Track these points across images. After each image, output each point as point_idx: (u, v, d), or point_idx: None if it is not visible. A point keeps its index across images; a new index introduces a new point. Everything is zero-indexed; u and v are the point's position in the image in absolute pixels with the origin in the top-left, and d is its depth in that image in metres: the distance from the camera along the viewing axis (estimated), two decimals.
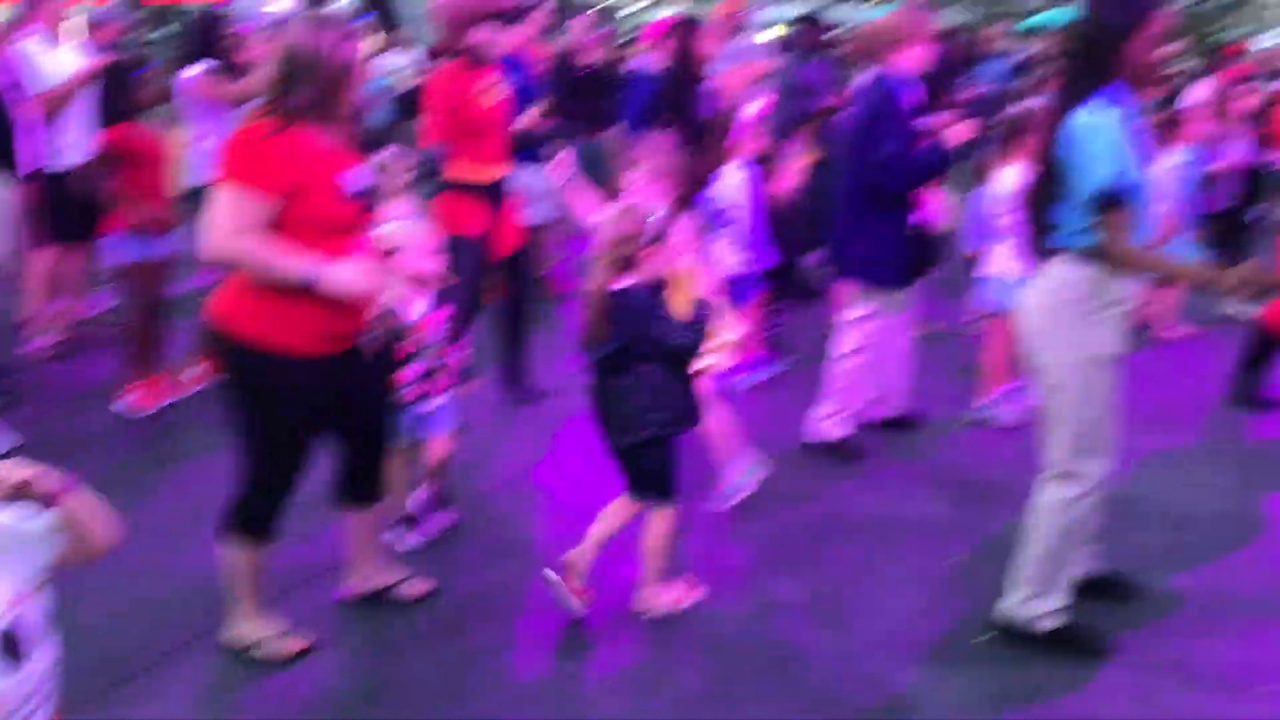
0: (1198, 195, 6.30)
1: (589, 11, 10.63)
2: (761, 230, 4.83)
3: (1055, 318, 3.00)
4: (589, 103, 7.60)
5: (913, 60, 4.38)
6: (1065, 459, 3.04)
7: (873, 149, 4.30)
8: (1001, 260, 4.84)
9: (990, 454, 4.62)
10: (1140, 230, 2.94)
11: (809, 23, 7.64)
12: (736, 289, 4.60)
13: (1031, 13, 39.16)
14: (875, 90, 4.40)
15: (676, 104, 5.33)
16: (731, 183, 4.68)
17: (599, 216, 3.37)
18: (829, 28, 8.41)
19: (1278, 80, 10.00)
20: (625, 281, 3.15)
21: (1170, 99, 7.43)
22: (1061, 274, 2.98)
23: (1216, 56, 8.80)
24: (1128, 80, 2.91)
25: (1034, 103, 5.09)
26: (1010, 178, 4.76)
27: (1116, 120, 2.85)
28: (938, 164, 4.39)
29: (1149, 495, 4.15)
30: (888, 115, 4.31)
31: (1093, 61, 2.90)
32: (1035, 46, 14.10)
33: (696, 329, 3.19)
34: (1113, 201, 2.83)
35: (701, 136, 4.79)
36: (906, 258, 4.53)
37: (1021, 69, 12.13)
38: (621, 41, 11.42)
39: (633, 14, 25.44)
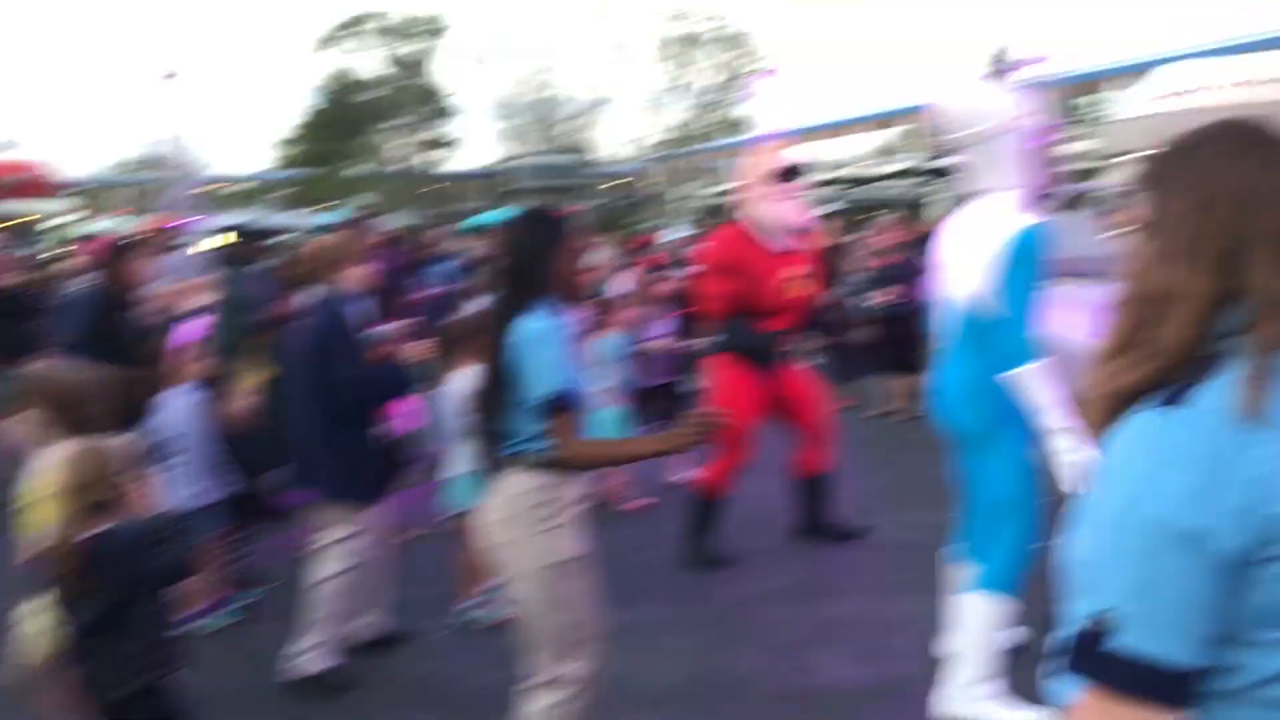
0: (632, 373, 6.91)
1: None
2: (217, 456, 4.51)
3: (514, 529, 3.02)
4: (6, 327, 6.86)
5: (358, 278, 4.40)
6: (546, 666, 3.05)
7: (327, 370, 4.22)
8: (464, 460, 4.90)
9: (476, 659, 4.56)
10: (586, 430, 3.10)
11: (244, 234, 7.57)
12: (194, 523, 4.23)
13: (473, 213, 41.92)
14: (324, 310, 4.33)
15: (110, 326, 4.96)
16: (177, 409, 4.35)
17: (51, 458, 2.99)
18: (266, 236, 8.36)
19: (685, 267, 11.47)
20: (102, 525, 2.81)
21: (598, 290, 8.20)
22: (516, 484, 3.02)
23: (631, 248, 9.92)
24: (557, 291, 3.08)
25: (478, 306, 5.32)
26: (461, 380, 4.88)
27: (556, 328, 2.99)
28: (394, 383, 4.42)
29: (629, 673, 4.30)
30: (338, 336, 4.26)
31: (523, 275, 3.05)
32: (478, 247, 15.05)
33: (180, 550, 2.98)
34: (562, 407, 2.93)
35: (139, 360, 4.44)
36: (377, 470, 4.44)
37: (469, 269, 12.82)
38: (47, 258, 10.56)
39: (58, 227, 23.71)
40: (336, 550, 4.34)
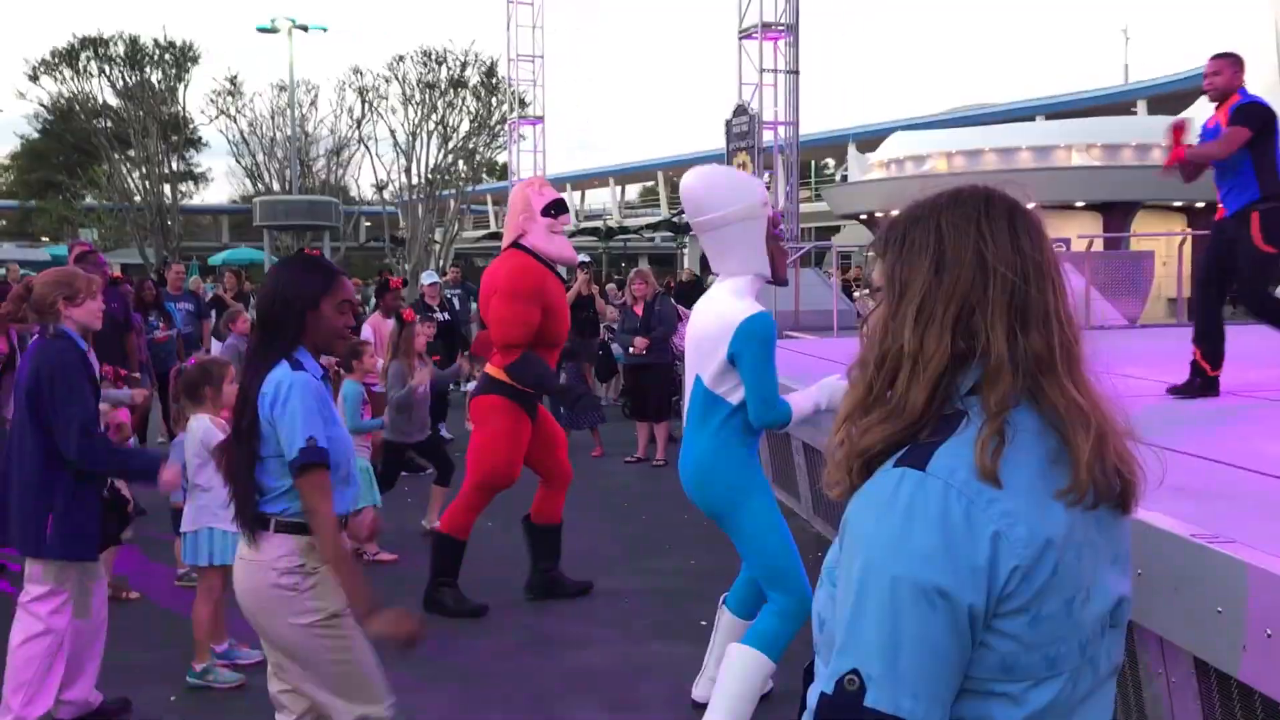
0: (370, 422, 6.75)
1: None
2: None
3: (265, 600, 2.90)
4: None
5: (88, 315, 4.12)
6: (353, 713, 2.95)
7: (54, 414, 3.93)
8: (203, 514, 4.67)
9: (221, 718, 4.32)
10: (344, 489, 2.98)
11: None
12: None
13: (213, 251, 40.03)
14: (52, 350, 4.02)
15: None
16: None
17: None
18: None
19: (444, 312, 11.38)
20: None
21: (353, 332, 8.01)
22: (267, 550, 2.90)
23: (385, 291, 9.71)
24: (316, 344, 2.98)
25: (217, 351, 5.09)
26: (199, 427, 4.65)
27: (307, 382, 2.88)
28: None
29: None
30: (66, 377, 3.97)
31: (280, 326, 2.93)
32: (219, 285, 14.39)
33: None
34: (310, 461, 2.82)
35: None
36: (93, 525, 4.11)
37: (209, 308, 12.23)
38: None
39: None
40: (41, 609, 4.00)
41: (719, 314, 3.82)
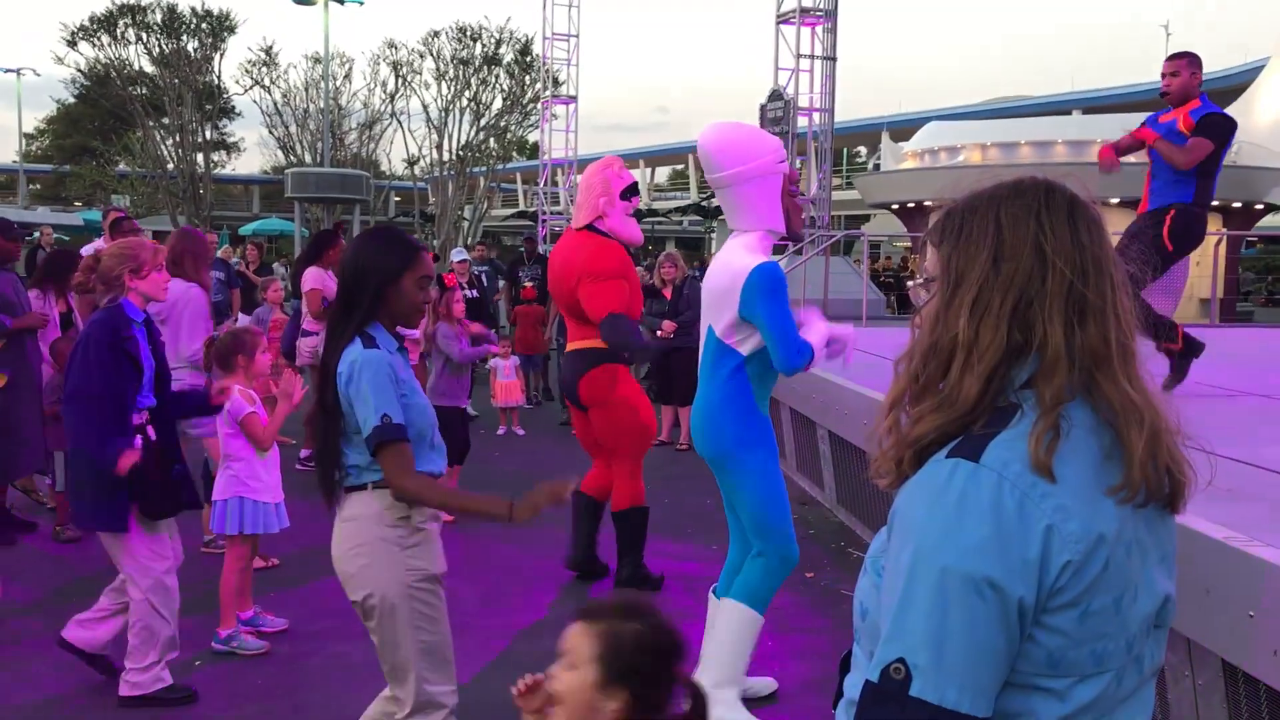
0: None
1: None
2: None
3: (367, 554, 2.92)
4: None
5: (153, 286, 4.18)
6: (416, 690, 2.94)
7: (85, 381, 3.99)
8: (233, 483, 4.71)
9: (242, 689, 4.36)
10: (431, 454, 3.01)
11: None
12: None
13: (244, 221, 40.23)
14: (95, 322, 4.10)
15: None
16: None
17: None
18: (18, 235, 7.61)
19: (472, 289, 11.43)
20: None
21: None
22: (367, 506, 2.93)
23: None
24: (393, 318, 3.00)
25: (249, 322, 5.13)
26: (232, 399, 4.68)
27: (380, 359, 2.89)
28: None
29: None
30: (97, 350, 4.01)
31: (358, 300, 2.95)
32: (241, 262, 14.49)
33: None
34: (386, 439, 2.83)
35: None
36: (130, 490, 4.07)
37: (239, 277, 12.30)
38: None
39: None
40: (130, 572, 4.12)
41: (728, 266, 3.89)
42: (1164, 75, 6.11)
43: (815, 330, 3.95)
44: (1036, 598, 1.22)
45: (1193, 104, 5.99)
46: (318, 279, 7.92)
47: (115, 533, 4.05)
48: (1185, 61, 6.07)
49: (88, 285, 4.23)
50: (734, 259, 3.89)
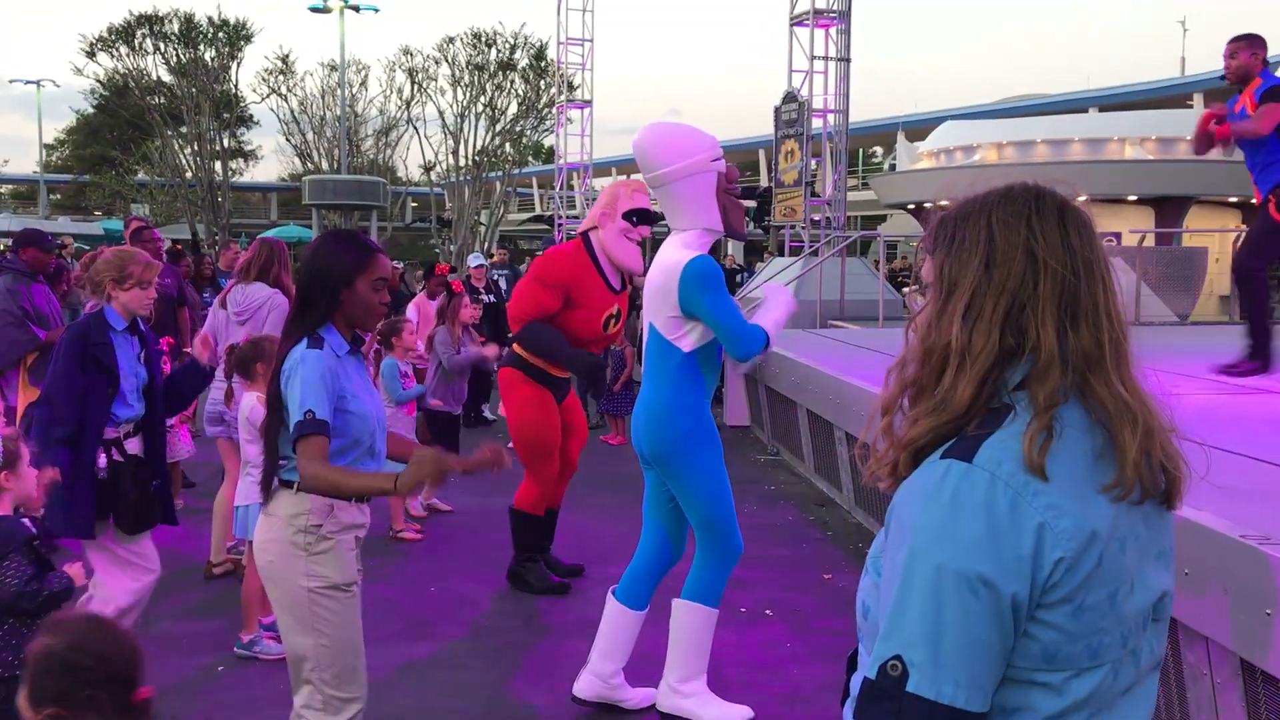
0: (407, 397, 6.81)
1: None
2: None
3: (274, 552, 2.98)
4: None
5: (134, 301, 4.11)
6: (320, 691, 2.97)
7: (49, 383, 4.04)
8: (253, 489, 4.74)
9: (266, 694, 4.40)
10: (369, 462, 3.04)
11: (31, 241, 6.75)
12: None
13: (262, 228, 40.51)
14: (72, 327, 4.14)
15: None
16: None
17: None
18: (55, 246, 7.69)
19: (489, 294, 11.50)
20: None
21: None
22: (282, 506, 2.99)
23: (432, 275, 9.83)
24: (349, 320, 3.02)
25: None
26: (248, 404, 4.73)
27: (318, 358, 2.91)
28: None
29: (421, 706, 4.25)
30: (65, 355, 4.02)
31: (313, 301, 3.00)
32: None
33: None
34: (304, 433, 2.85)
35: None
36: (92, 507, 4.02)
37: None
38: None
39: None
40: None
41: (663, 265, 3.92)
42: (1225, 58, 6.16)
43: (767, 314, 4.00)
44: (1030, 594, 1.24)
45: (1256, 83, 6.01)
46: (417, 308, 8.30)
47: (82, 540, 4.03)
48: (1244, 44, 6.11)
49: (81, 283, 4.25)
50: (669, 256, 3.93)
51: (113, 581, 4.05)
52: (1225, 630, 3.01)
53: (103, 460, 4.03)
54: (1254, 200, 6.22)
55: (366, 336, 3.22)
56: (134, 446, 4.11)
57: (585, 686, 4.23)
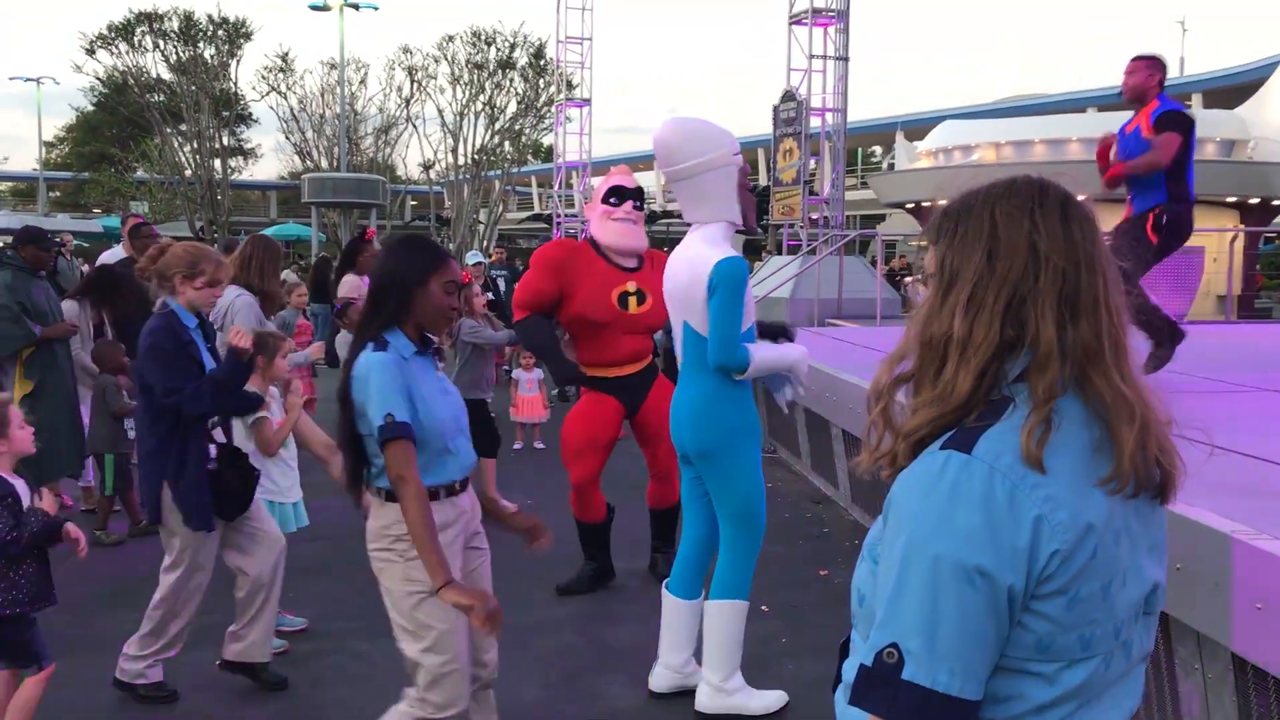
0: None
1: None
2: None
3: (379, 560, 3.06)
4: None
5: (202, 298, 4.18)
6: (420, 691, 3.03)
7: (159, 389, 4.04)
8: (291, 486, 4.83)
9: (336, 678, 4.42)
10: (445, 459, 3.07)
11: (31, 239, 6.76)
12: None
13: (261, 226, 40.50)
14: (154, 325, 4.12)
15: None
16: None
17: None
18: (55, 245, 7.69)
19: (488, 293, 11.54)
20: None
21: None
22: (378, 517, 3.06)
23: None
24: (420, 322, 3.06)
25: (274, 325, 5.19)
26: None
27: (386, 361, 2.94)
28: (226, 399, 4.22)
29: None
30: (162, 353, 4.05)
31: (382, 304, 3.03)
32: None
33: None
34: (389, 436, 2.89)
35: None
36: (211, 496, 4.17)
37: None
38: None
39: None
40: (164, 576, 4.20)
41: (691, 261, 3.92)
42: (1124, 74, 6.17)
43: (765, 348, 4.00)
44: (1026, 585, 1.25)
45: (1152, 105, 6.03)
46: (354, 287, 7.95)
47: (197, 531, 4.11)
48: (1145, 62, 6.12)
49: (146, 275, 4.25)
50: (696, 253, 3.92)
51: (187, 563, 4.15)
52: (1216, 625, 3.03)
53: (213, 450, 4.18)
54: (1124, 214, 6.24)
55: (435, 339, 3.26)
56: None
57: (660, 681, 4.30)
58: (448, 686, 3.02)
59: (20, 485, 3.52)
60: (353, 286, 7.98)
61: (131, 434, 6.56)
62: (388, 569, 3.04)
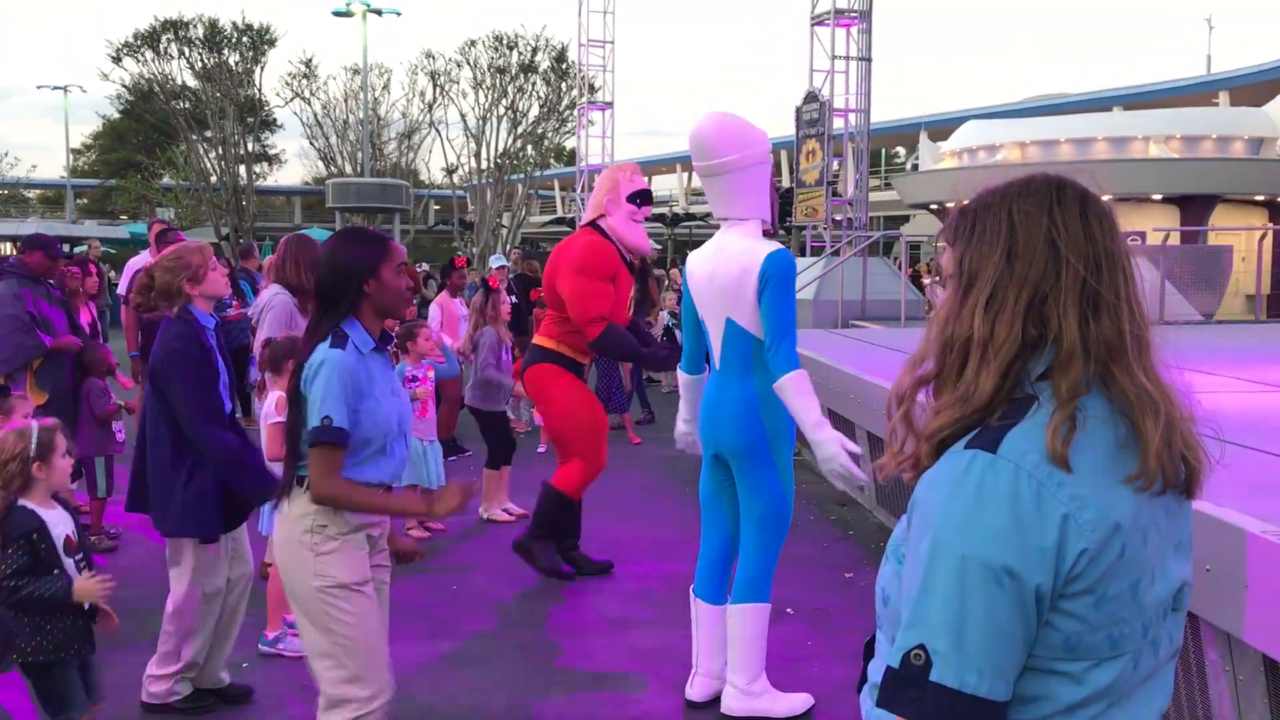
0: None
1: None
2: None
3: (285, 551, 3.01)
4: None
5: (214, 285, 4.16)
6: (332, 687, 2.98)
7: (172, 396, 3.99)
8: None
9: (291, 690, 4.44)
10: (381, 460, 3.03)
11: (38, 245, 6.70)
12: None
13: (286, 231, 40.57)
14: (171, 332, 4.06)
15: None
16: None
17: None
18: (60, 253, 7.60)
19: (511, 295, 11.54)
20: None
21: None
22: (295, 506, 2.99)
23: (452, 270, 9.89)
24: (379, 310, 3.03)
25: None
26: (272, 401, 4.77)
27: (340, 360, 2.91)
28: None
29: (444, 702, 4.28)
30: (181, 360, 4.00)
31: (336, 299, 2.99)
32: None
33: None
34: (319, 440, 2.88)
35: None
36: (221, 507, 4.11)
37: None
38: None
39: None
40: (173, 587, 4.15)
41: (738, 256, 3.89)
42: None
43: (813, 411, 3.81)
44: (1053, 585, 1.24)
45: None
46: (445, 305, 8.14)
47: (204, 542, 4.08)
48: None
49: (149, 305, 4.15)
50: (743, 246, 3.90)
51: (194, 578, 4.11)
52: (1246, 626, 3.00)
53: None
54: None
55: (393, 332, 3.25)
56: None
57: (699, 690, 4.24)
58: (363, 679, 2.97)
59: (57, 515, 3.40)
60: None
61: (119, 436, 6.61)
62: (295, 563, 2.97)
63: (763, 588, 4.08)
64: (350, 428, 2.92)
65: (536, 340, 5.90)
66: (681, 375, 4.40)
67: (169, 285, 4.08)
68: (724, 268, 3.92)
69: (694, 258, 4.14)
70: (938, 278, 1.45)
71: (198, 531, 4.07)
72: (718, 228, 4.15)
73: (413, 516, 2.93)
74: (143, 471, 4.15)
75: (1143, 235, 16.02)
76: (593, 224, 5.65)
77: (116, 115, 46.37)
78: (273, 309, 5.46)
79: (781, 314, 3.80)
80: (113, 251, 32.64)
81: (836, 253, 15.96)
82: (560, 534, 5.87)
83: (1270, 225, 20.90)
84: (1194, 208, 24.33)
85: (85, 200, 58.13)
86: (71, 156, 57.38)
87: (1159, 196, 24.57)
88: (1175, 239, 15.87)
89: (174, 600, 4.15)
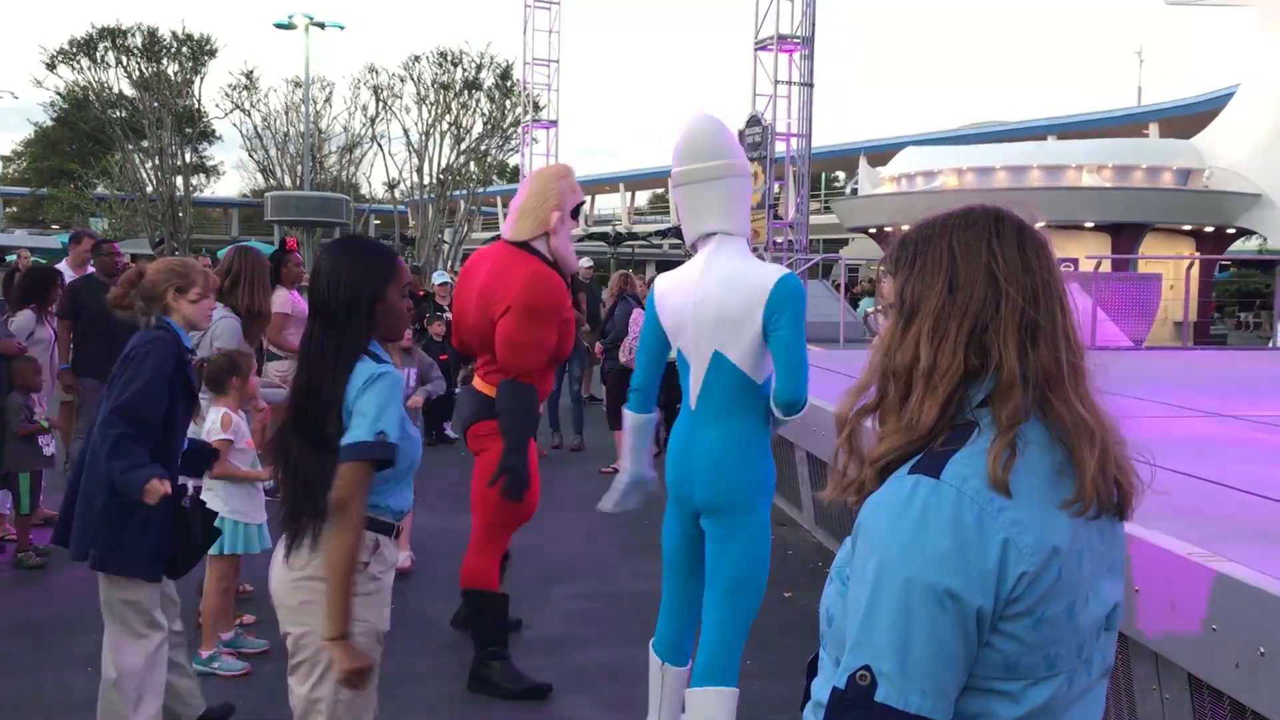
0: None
1: None
2: None
3: (314, 591, 2.65)
4: None
5: (197, 312, 3.76)
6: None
7: (117, 392, 3.49)
8: (215, 504, 4.73)
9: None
10: (405, 495, 2.81)
11: None
12: None
13: (223, 244, 40.02)
14: (147, 336, 3.64)
15: None
16: None
17: None
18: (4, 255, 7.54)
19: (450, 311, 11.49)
20: None
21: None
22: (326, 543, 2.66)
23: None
24: (383, 332, 2.77)
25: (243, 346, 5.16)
26: (214, 419, 4.71)
27: (397, 380, 2.70)
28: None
29: None
30: (149, 363, 3.52)
31: (352, 323, 2.69)
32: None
33: None
34: (366, 456, 2.59)
35: None
36: (173, 543, 3.61)
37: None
38: None
39: None
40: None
41: (736, 279, 3.36)
42: None
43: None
44: (994, 607, 1.28)
45: None
46: (284, 303, 6.94)
47: (147, 581, 3.58)
48: None
49: (126, 302, 3.75)
50: (740, 268, 3.39)
51: (132, 629, 3.61)
52: (1173, 645, 3.08)
53: (192, 487, 3.75)
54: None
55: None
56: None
57: None
58: (363, 709, 2.78)
59: None
60: (282, 301, 6.84)
61: (47, 450, 6.46)
62: (318, 602, 2.62)
63: (730, 669, 3.47)
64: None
65: (478, 387, 4.65)
66: (629, 415, 3.78)
67: (155, 287, 3.70)
68: (718, 293, 3.37)
69: (669, 279, 3.62)
70: (879, 307, 1.48)
71: (140, 570, 3.55)
72: (659, 247, 3.95)
73: (335, 624, 2.49)
74: (78, 499, 3.61)
75: (1075, 262, 16.37)
76: (530, 245, 4.51)
77: (49, 123, 45.44)
78: (220, 335, 5.13)
79: (796, 344, 3.33)
80: (43, 261, 31.93)
81: None
82: (505, 634, 4.81)
83: (1197, 254, 21.47)
84: (1125, 236, 24.92)
85: (15, 209, 56.87)
86: (1, 164, 56.17)
87: (1091, 224, 25.14)
88: (1107, 266, 16.24)
89: (125, 656, 3.58)
